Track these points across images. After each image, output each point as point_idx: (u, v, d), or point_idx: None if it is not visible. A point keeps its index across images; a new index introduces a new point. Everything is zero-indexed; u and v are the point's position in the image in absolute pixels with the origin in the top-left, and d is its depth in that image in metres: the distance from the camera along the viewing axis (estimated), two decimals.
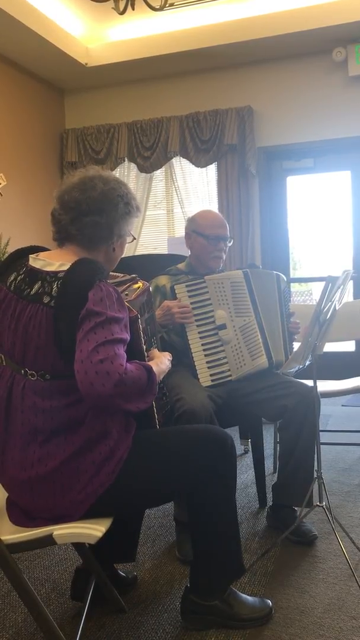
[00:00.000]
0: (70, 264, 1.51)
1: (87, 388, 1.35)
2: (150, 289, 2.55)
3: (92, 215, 1.59)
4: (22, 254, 1.64)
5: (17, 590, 1.49)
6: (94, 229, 1.60)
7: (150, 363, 1.58)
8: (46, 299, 1.48)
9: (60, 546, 2.36)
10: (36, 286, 1.51)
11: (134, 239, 1.79)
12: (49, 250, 1.66)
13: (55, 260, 1.55)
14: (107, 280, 1.53)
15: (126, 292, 1.63)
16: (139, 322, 1.59)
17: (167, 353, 1.74)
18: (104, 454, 1.52)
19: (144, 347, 1.64)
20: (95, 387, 1.33)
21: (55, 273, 1.51)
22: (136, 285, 1.68)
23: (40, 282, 1.52)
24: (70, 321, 1.43)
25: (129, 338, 1.48)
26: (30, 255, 1.61)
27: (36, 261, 1.58)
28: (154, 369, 1.51)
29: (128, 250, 6.32)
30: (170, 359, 1.74)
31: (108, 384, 1.33)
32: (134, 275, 1.73)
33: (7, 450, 1.55)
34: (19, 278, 1.57)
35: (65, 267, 1.51)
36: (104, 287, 1.46)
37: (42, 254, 1.62)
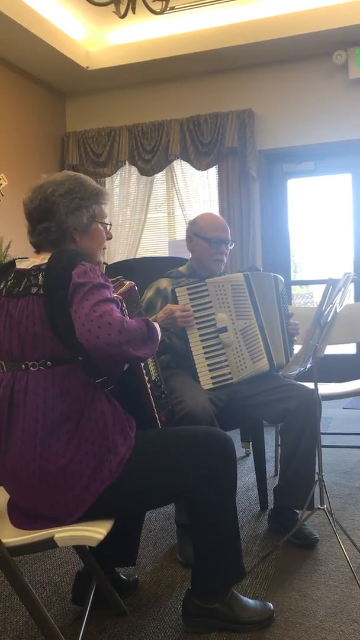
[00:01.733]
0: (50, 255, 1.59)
1: (93, 342, 1.39)
2: (152, 291, 2.57)
3: (41, 222, 1.67)
4: (10, 265, 1.70)
5: (18, 593, 1.49)
6: (48, 234, 1.67)
7: None
8: (34, 289, 1.55)
9: (62, 549, 2.36)
10: (24, 282, 1.58)
11: (110, 225, 1.82)
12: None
13: (38, 259, 1.63)
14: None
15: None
16: (124, 305, 1.64)
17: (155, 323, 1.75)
18: (103, 447, 1.53)
19: None
20: (102, 338, 1.38)
21: (39, 266, 1.59)
22: (121, 287, 1.73)
23: (26, 278, 1.59)
24: (61, 303, 1.49)
25: (119, 304, 1.53)
26: (17, 260, 1.69)
27: (22, 263, 1.66)
28: None
29: (129, 253, 6.32)
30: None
31: (113, 332, 1.39)
32: (118, 277, 1.78)
33: (9, 449, 1.55)
34: (9, 283, 1.63)
35: (47, 260, 1.59)
36: (87, 264, 1.54)
37: (27, 259, 1.69)
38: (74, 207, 1.68)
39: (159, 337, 1.63)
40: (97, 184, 1.78)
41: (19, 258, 1.71)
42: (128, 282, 1.76)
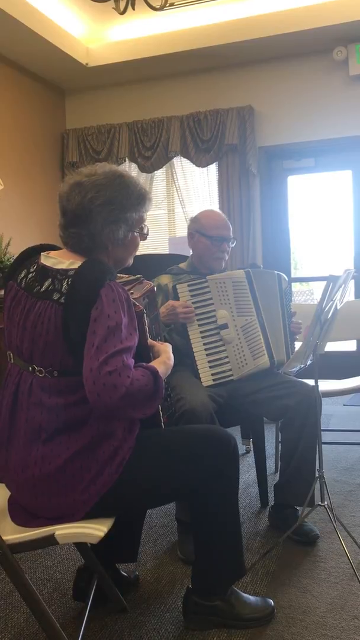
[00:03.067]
0: (81, 262, 1.52)
1: (94, 398, 1.37)
2: (155, 289, 2.57)
3: (73, 227, 1.59)
4: (33, 252, 1.64)
5: (19, 590, 1.49)
6: (79, 240, 1.59)
7: (157, 361, 1.59)
8: (56, 296, 1.49)
9: (62, 546, 2.36)
10: (46, 283, 1.52)
11: (147, 234, 1.74)
12: (59, 248, 1.67)
13: (65, 259, 1.56)
14: (116, 280, 1.53)
15: (131, 291, 1.64)
16: (144, 317, 1.60)
17: (168, 344, 1.72)
18: (107, 454, 1.52)
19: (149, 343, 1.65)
20: (102, 399, 1.35)
21: (66, 271, 1.52)
22: (141, 285, 1.69)
23: (50, 279, 1.52)
24: (80, 318, 1.44)
25: (137, 340, 1.49)
26: (42, 254, 1.62)
27: (47, 259, 1.59)
28: (161, 369, 1.52)
29: None
30: (170, 348, 1.73)
31: (115, 397, 1.35)
32: (139, 276, 1.74)
33: (10, 448, 1.55)
34: (29, 276, 1.57)
35: (75, 266, 1.52)
36: (115, 287, 1.47)
37: (52, 253, 1.62)
38: (112, 220, 1.58)
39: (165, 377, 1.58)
40: (142, 186, 1.66)
41: (42, 248, 1.63)
42: (147, 283, 1.71)
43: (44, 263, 1.58)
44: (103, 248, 1.61)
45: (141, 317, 1.57)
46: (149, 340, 1.64)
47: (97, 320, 1.42)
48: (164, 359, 1.62)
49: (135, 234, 1.67)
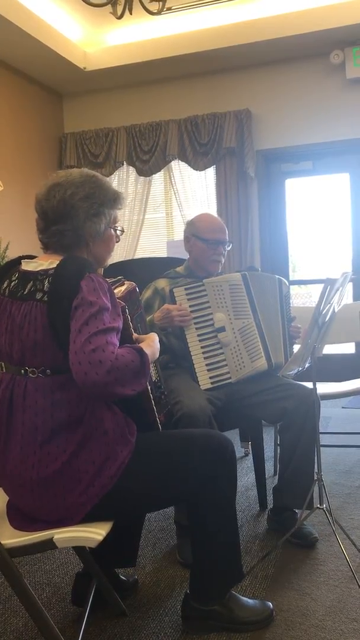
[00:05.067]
0: (59, 261, 1.55)
1: (82, 378, 1.37)
2: (150, 291, 2.57)
3: (56, 224, 1.62)
4: (14, 264, 1.68)
5: (18, 594, 1.49)
6: (61, 237, 1.62)
7: (142, 344, 1.60)
8: (39, 295, 1.52)
9: (61, 550, 2.36)
10: (29, 285, 1.55)
11: (122, 232, 1.79)
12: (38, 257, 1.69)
13: (45, 261, 1.60)
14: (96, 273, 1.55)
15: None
16: (127, 312, 1.62)
17: (153, 333, 1.74)
18: (103, 454, 1.53)
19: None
20: (90, 376, 1.36)
21: (46, 271, 1.55)
22: (123, 286, 1.71)
23: (32, 281, 1.56)
24: (64, 312, 1.46)
25: (120, 325, 1.51)
26: (22, 260, 1.65)
27: (28, 264, 1.62)
28: (147, 350, 1.53)
29: (127, 254, 6.31)
30: (157, 336, 1.74)
31: (101, 372, 1.36)
32: (119, 277, 1.76)
33: (8, 452, 1.55)
34: (12, 283, 1.61)
35: (55, 265, 1.55)
36: (95, 278, 1.50)
37: (34, 260, 1.66)
38: (93, 213, 1.63)
39: (153, 360, 1.59)
40: (113, 186, 1.73)
41: (24, 257, 1.67)
42: (128, 283, 1.74)
43: (25, 269, 1.61)
44: (84, 244, 1.65)
45: (124, 312, 1.59)
46: (134, 335, 1.66)
47: (78, 307, 1.44)
48: (149, 341, 1.64)
49: (112, 231, 1.72)
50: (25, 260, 1.65)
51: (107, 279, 1.72)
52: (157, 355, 1.66)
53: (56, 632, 1.50)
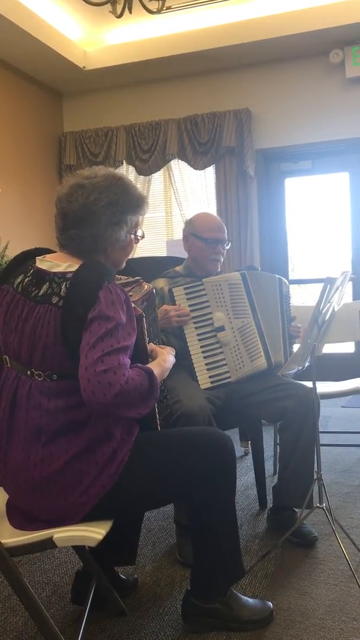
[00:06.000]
0: (78, 265, 1.52)
1: (89, 396, 1.36)
2: (154, 292, 2.57)
3: (75, 229, 1.58)
4: (28, 256, 1.64)
5: (18, 593, 1.49)
6: (79, 242, 1.59)
7: (153, 363, 1.59)
8: (55, 300, 1.49)
9: (61, 549, 2.36)
10: (44, 287, 1.52)
11: (142, 237, 1.74)
12: (54, 252, 1.67)
13: (61, 262, 1.56)
14: (114, 282, 1.53)
15: (130, 294, 1.64)
16: (144, 321, 1.60)
17: (170, 348, 1.73)
18: (107, 456, 1.52)
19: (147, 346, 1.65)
20: (97, 397, 1.35)
21: (64, 274, 1.52)
22: (140, 287, 1.69)
23: (48, 283, 1.52)
24: (79, 320, 1.44)
25: (134, 340, 1.49)
26: (37, 257, 1.61)
27: (43, 263, 1.58)
28: (156, 370, 1.52)
29: None
30: (174, 353, 1.73)
31: (109, 395, 1.35)
32: (138, 278, 1.73)
33: (10, 451, 1.55)
34: (26, 280, 1.57)
35: (73, 269, 1.52)
36: (113, 289, 1.47)
37: (48, 256, 1.62)
38: (115, 221, 1.59)
39: (163, 378, 1.59)
40: (140, 190, 1.68)
41: (37, 252, 1.63)
42: (147, 287, 1.70)
43: (40, 267, 1.57)
44: (102, 250, 1.61)
45: (140, 320, 1.57)
46: (150, 345, 1.64)
47: (94, 320, 1.42)
48: (160, 361, 1.62)
49: (132, 236, 1.69)
50: (41, 257, 1.61)
51: (124, 277, 1.71)
52: (167, 374, 1.64)
53: (56, 631, 1.50)
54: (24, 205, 5.02)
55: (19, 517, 1.58)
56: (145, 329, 1.63)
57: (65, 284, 1.49)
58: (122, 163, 5.40)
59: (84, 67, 5.02)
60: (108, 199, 1.58)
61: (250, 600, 1.87)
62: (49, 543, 1.46)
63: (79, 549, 1.83)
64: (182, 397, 2.20)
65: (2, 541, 1.45)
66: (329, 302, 2.12)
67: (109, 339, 1.40)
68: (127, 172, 5.47)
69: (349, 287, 5.01)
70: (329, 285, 2.04)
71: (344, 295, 2.34)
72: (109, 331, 1.40)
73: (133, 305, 1.55)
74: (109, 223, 1.59)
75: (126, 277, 1.73)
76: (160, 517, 2.68)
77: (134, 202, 1.64)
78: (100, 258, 1.62)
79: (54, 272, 1.54)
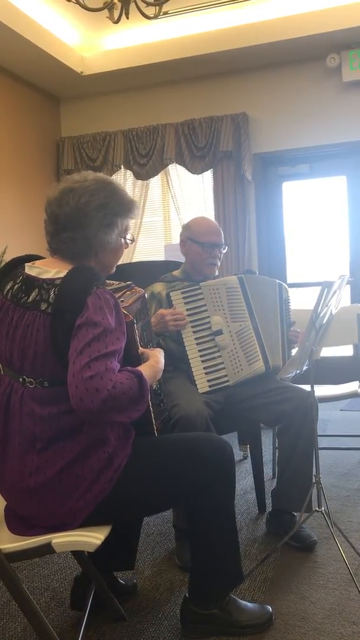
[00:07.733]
0: (67, 271, 1.51)
1: (77, 403, 1.36)
2: (146, 296, 2.57)
3: (67, 232, 1.58)
4: (18, 263, 1.64)
5: (17, 599, 1.49)
6: (72, 245, 1.59)
7: (144, 365, 1.58)
8: (43, 306, 1.48)
9: (59, 555, 2.35)
10: (33, 294, 1.52)
11: (132, 241, 1.76)
12: (44, 258, 1.67)
13: (51, 268, 1.56)
14: (104, 287, 1.53)
15: (122, 299, 1.64)
16: (135, 327, 1.59)
17: (159, 349, 1.72)
18: (103, 461, 1.52)
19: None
20: (85, 403, 1.34)
21: (52, 280, 1.51)
22: (131, 292, 1.68)
23: (37, 289, 1.52)
24: (68, 327, 1.43)
25: (123, 344, 1.48)
26: (26, 264, 1.61)
27: (32, 269, 1.58)
28: (146, 372, 1.51)
29: (125, 257, 6.32)
30: (163, 354, 1.72)
31: (96, 401, 1.34)
32: (129, 282, 1.73)
33: (5, 459, 1.55)
34: (15, 287, 1.57)
35: (62, 275, 1.51)
36: (102, 294, 1.46)
37: (37, 262, 1.62)
38: (106, 223, 1.60)
39: (157, 379, 1.58)
40: (128, 194, 1.69)
41: (27, 258, 1.63)
42: (138, 291, 1.70)
43: (29, 273, 1.57)
44: (94, 253, 1.62)
45: (131, 326, 1.56)
46: (140, 349, 1.64)
47: (82, 327, 1.41)
48: (152, 362, 1.62)
49: (123, 240, 1.69)
50: (30, 263, 1.61)
51: (116, 282, 1.71)
52: (160, 375, 1.64)
53: (55, 636, 1.50)
54: (22, 209, 5.02)
55: (18, 523, 1.58)
56: (138, 335, 1.62)
57: (54, 290, 1.48)
58: (120, 167, 5.41)
59: (82, 72, 5.03)
60: (99, 201, 1.59)
61: (249, 604, 1.87)
62: (47, 548, 1.46)
63: (78, 554, 1.83)
64: (180, 401, 2.20)
65: (1, 547, 1.45)
66: (326, 305, 2.12)
67: (96, 344, 1.39)
68: (125, 176, 5.48)
69: (347, 291, 5.03)
70: (326, 289, 2.04)
71: (342, 299, 2.35)
72: (96, 336, 1.40)
73: (124, 311, 1.54)
74: (100, 225, 1.59)
75: (117, 283, 1.72)
76: (159, 522, 2.68)
77: (125, 205, 1.65)
78: (91, 262, 1.62)
79: (43, 279, 1.53)
